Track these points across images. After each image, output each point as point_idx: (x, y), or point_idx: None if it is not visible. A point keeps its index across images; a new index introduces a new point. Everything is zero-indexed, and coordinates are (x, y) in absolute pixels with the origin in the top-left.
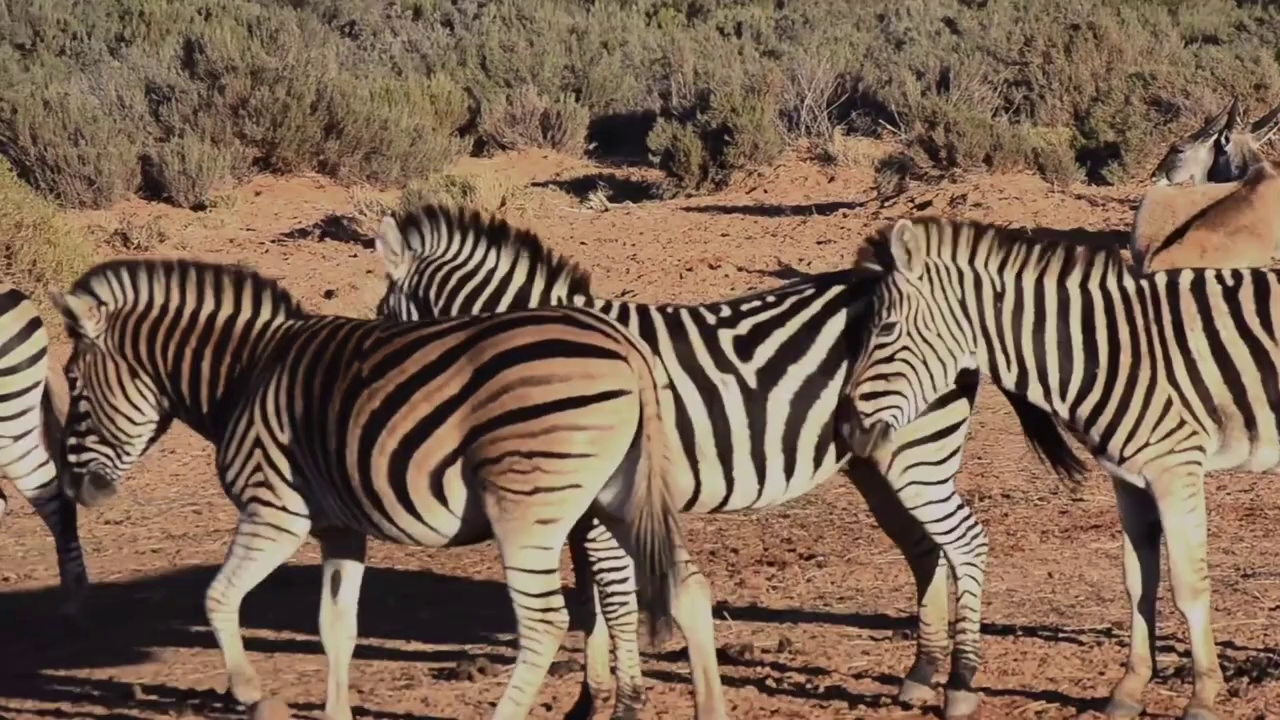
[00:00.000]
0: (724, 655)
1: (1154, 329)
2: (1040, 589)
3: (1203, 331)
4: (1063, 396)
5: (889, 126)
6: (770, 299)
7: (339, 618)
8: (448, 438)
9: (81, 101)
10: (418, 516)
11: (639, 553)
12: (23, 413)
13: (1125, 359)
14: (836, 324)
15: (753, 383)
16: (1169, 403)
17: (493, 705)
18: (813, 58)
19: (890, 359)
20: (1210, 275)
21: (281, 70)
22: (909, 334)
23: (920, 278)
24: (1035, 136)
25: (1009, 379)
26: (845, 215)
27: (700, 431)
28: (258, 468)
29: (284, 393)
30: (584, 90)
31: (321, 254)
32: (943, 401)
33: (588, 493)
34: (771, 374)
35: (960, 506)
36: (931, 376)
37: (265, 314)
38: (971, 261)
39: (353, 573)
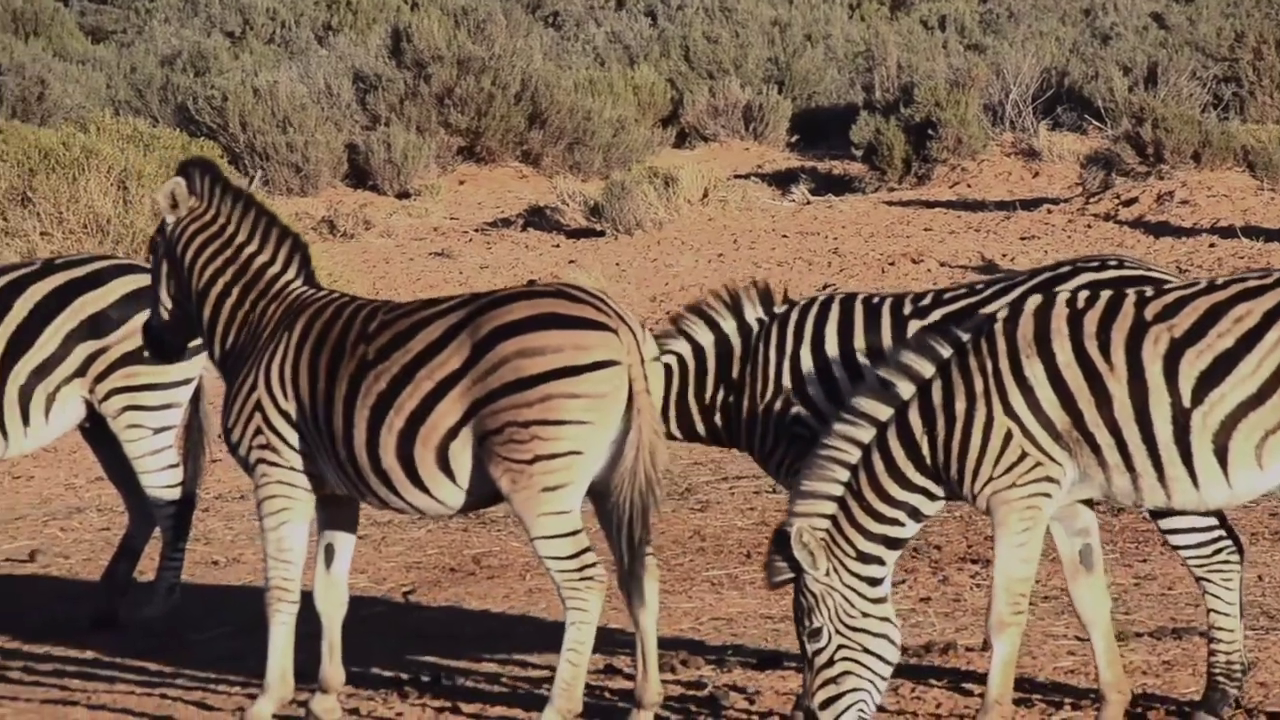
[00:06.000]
0: (928, 653)
1: (988, 365)
2: (1249, 592)
3: (1038, 358)
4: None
5: (1095, 122)
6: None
7: (332, 587)
8: (451, 412)
9: (290, 89)
10: (425, 490)
11: (617, 521)
12: (167, 406)
13: (960, 405)
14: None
15: None
16: (1009, 436)
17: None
18: (1018, 52)
19: (831, 663)
20: (1061, 300)
21: (487, 60)
22: (838, 631)
23: (827, 573)
24: (1245, 134)
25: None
26: (1050, 211)
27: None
28: (259, 430)
29: (289, 366)
30: (786, 82)
31: (524, 243)
32: None
33: (590, 459)
34: None
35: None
36: (880, 654)
37: (291, 273)
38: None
39: (345, 545)
